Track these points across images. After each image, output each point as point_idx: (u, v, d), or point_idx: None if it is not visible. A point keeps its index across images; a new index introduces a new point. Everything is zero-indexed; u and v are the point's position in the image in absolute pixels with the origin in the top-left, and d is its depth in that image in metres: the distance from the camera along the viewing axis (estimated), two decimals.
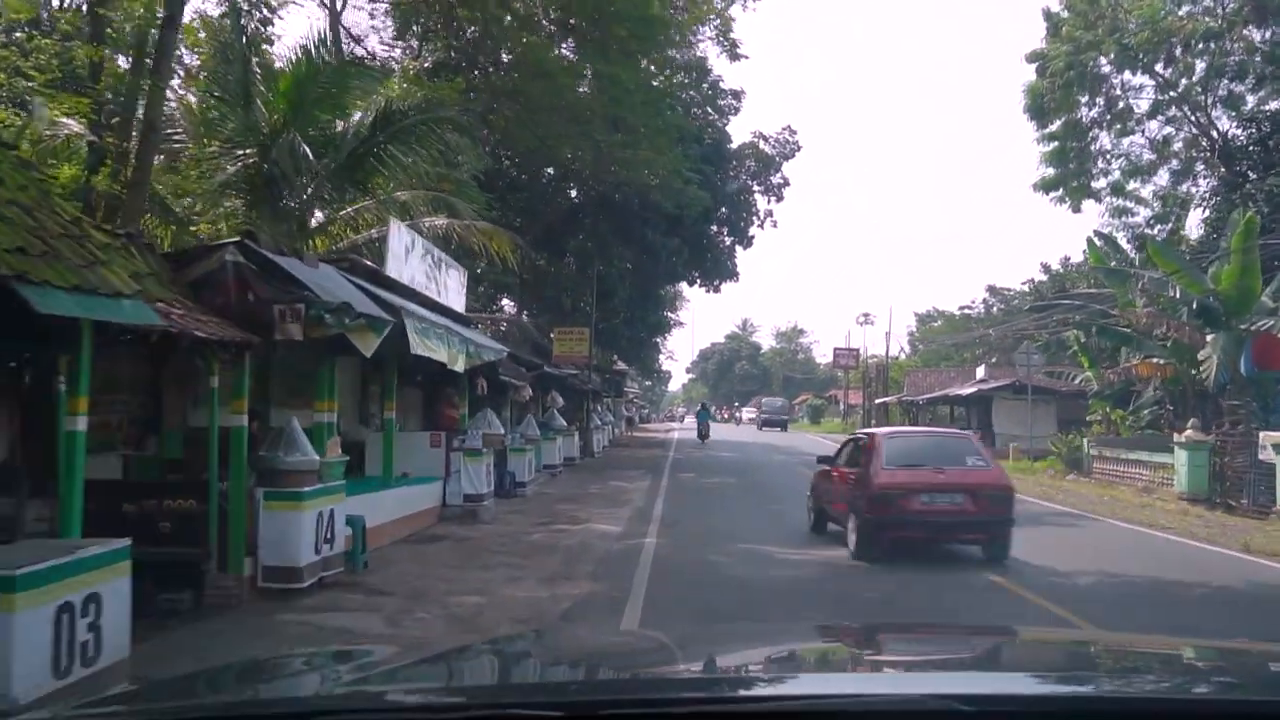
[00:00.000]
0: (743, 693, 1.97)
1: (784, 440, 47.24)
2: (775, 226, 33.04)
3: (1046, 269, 48.50)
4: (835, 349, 63.50)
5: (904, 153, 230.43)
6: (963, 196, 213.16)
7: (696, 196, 25.11)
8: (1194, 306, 23.91)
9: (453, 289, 14.53)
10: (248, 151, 14.02)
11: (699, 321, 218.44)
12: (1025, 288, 74.07)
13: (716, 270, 32.59)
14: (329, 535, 8.82)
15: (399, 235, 11.57)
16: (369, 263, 11.07)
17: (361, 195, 15.88)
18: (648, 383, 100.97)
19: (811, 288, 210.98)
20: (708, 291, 34.15)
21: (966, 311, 76.69)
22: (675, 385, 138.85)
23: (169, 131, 15.85)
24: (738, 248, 32.57)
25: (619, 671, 2.40)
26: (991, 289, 74.27)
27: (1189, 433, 21.73)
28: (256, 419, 9.50)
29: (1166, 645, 2.95)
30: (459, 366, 12.81)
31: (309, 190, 14.68)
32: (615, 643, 3.39)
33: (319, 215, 16.80)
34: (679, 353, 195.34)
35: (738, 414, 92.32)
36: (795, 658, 2.55)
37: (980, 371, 46.05)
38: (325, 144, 15.79)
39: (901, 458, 11.53)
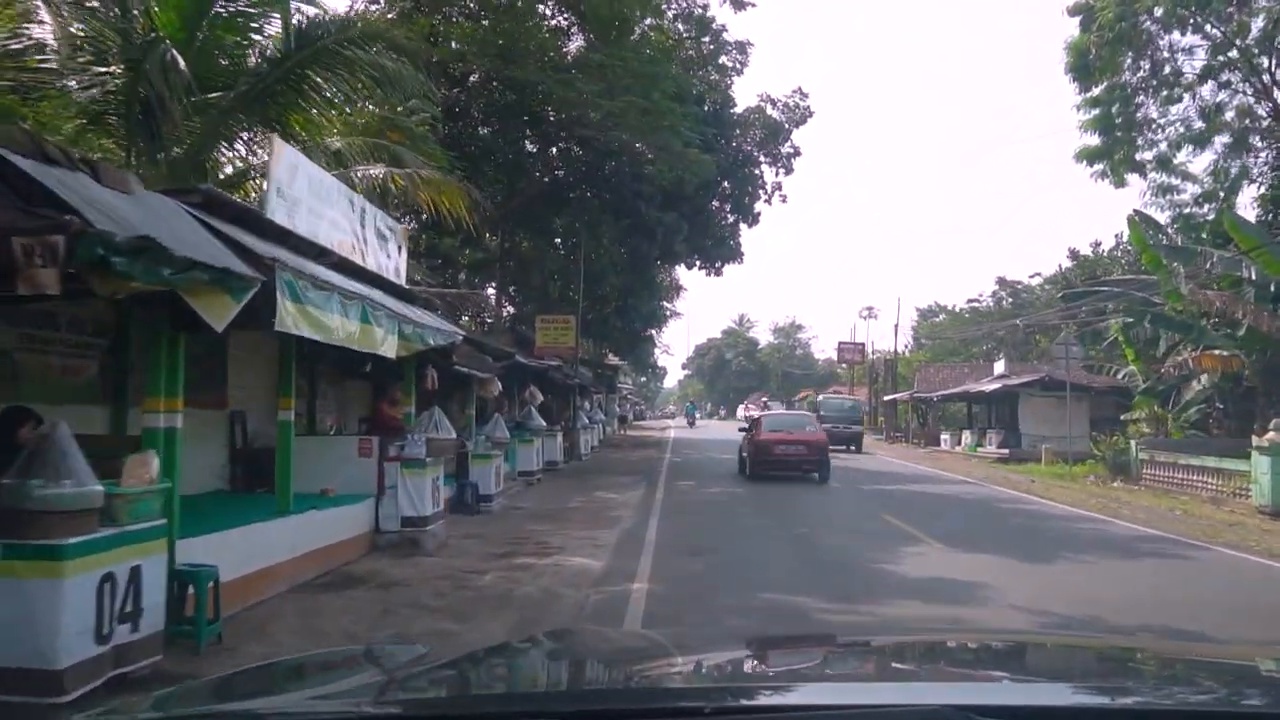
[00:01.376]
0: (746, 702, 1.88)
1: None
2: (785, 201, 29.83)
3: (1074, 255, 45.26)
4: (839, 343, 60.31)
5: (905, 144, 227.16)
6: (966, 188, 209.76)
7: (698, 161, 21.83)
8: (1272, 289, 20.76)
9: (388, 253, 11.28)
10: (114, 70, 10.77)
11: (694, 316, 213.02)
12: (1036, 280, 71.56)
13: (719, 251, 29.12)
14: (128, 608, 5.59)
15: (289, 164, 8.30)
16: (239, 200, 7.78)
17: (280, 137, 12.63)
18: (642, 379, 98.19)
19: (809, 282, 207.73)
20: (708, 274, 30.92)
21: (974, 305, 73.85)
22: (671, 382, 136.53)
23: (36, 59, 12.65)
24: (742, 225, 29.23)
25: (631, 679, 2.29)
26: (1001, 281, 71.39)
27: (1271, 435, 18.56)
28: (32, 420, 6.26)
29: (1202, 652, 2.76)
30: (387, 350, 9.59)
31: (197, 125, 11.45)
32: (631, 647, 3.00)
33: (229, 166, 13.59)
34: (675, 346, 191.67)
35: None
36: (814, 665, 2.48)
37: (999, 367, 42.96)
38: (235, 75, 12.59)
39: (772, 426, 22.46)
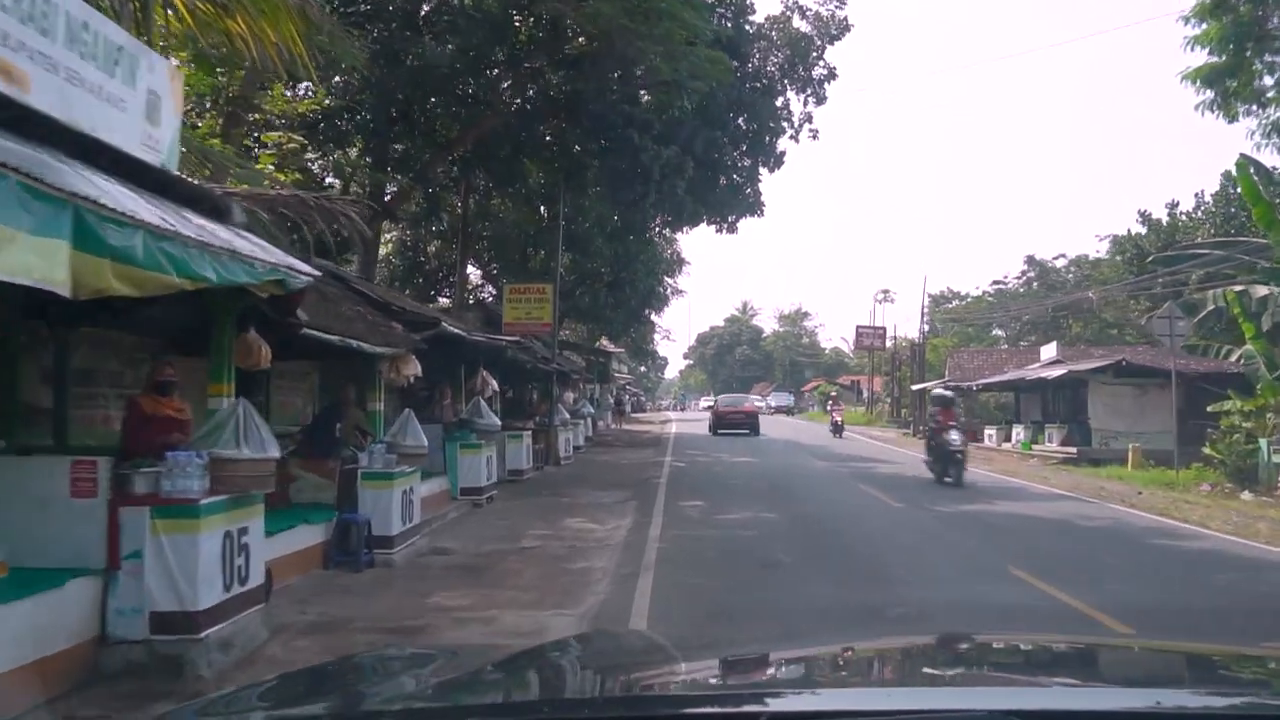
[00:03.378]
0: (787, 707, 1.84)
1: (807, 437, 38.48)
2: (815, 137, 23.86)
3: (1146, 218, 39.27)
4: (858, 327, 54.75)
5: (915, 116, 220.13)
6: (981, 167, 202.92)
7: (712, 61, 16.14)
8: None
9: (110, 98, 5.75)
10: None
11: (696, 304, 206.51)
12: (1060, 262, 65.99)
13: (732, 201, 23.32)
14: None
15: None
16: None
17: None
18: (642, 368, 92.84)
19: (814, 266, 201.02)
20: (719, 230, 24.94)
21: (1000, 286, 68.33)
22: (672, 372, 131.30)
23: None
24: (762, 170, 23.42)
25: (663, 685, 2.23)
26: (1030, 260, 65.71)
27: None
28: None
29: (1252, 654, 2.52)
30: (30, 271, 4.12)
31: None
32: (660, 650, 2.87)
33: None
34: (677, 332, 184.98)
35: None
36: (851, 671, 2.39)
37: (1048, 351, 37.35)
38: None
39: (724, 403, 41.75)
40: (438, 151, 19.81)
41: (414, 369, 11.31)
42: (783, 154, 22.86)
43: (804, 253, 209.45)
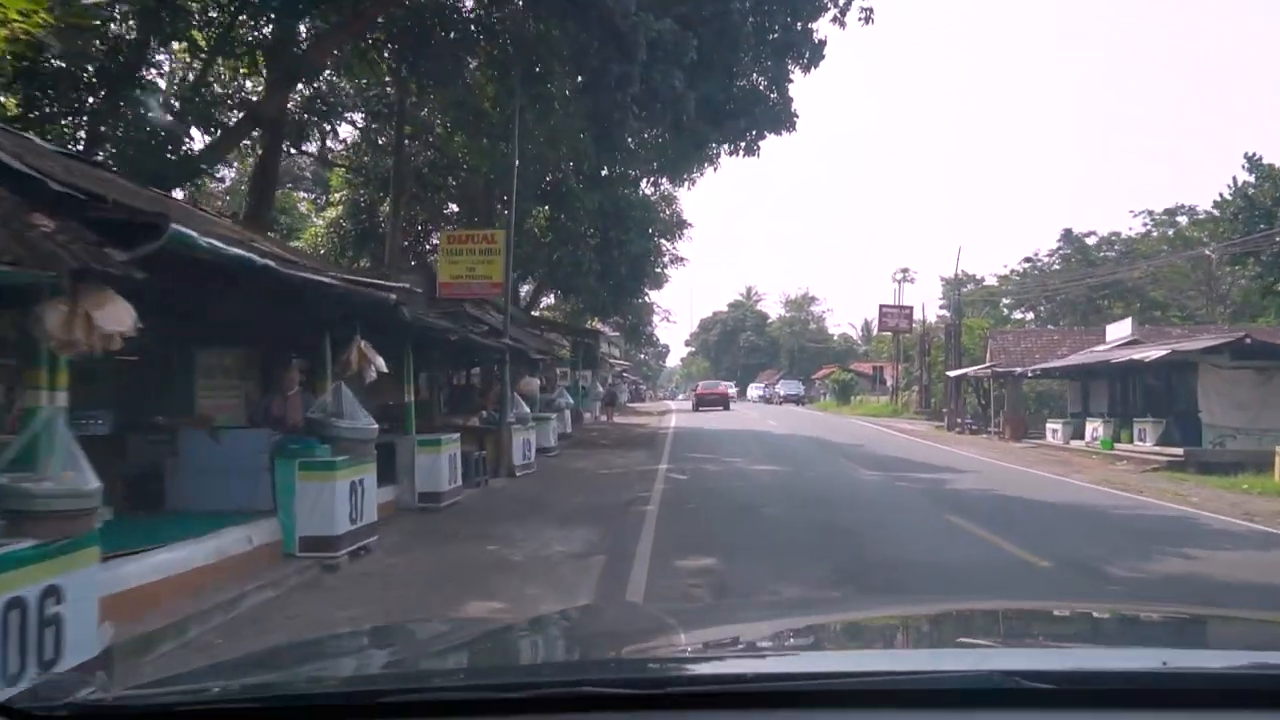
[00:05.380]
0: (788, 669, 1.78)
1: (826, 430, 32.54)
2: (869, 21, 17.25)
3: (1255, 163, 32.55)
4: (881, 306, 48.72)
5: (928, 93, 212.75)
6: (1004, 139, 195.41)
7: None
8: None
9: None
10: None
11: (697, 288, 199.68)
12: (1090, 240, 60.15)
13: (752, 109, 17.01)
14: None
15: None
16: None
17: None
18: (642, 355, 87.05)
19: (821, 249, 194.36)
20: (732, 152, 18.49)
21: (1030, 263, 62.39)
22: (674, 359, 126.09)
23: None
24: (794, 69, 17.22)
25: (667, 652, 2.16)
26: (1067, 235, 59.46)
27: None
28: None
29: (1247, 618, 2.71)
30: None
31: None
32: (659, 621, 2.69)
33: None
34: (677, 313, 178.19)
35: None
36: (858, 634, 2.38)
37: (1117, 330, 31.32)
38: None
39: (703, 387, 58.06)
40: (328, 29, 13.87)
41: (120, 321, 5.35)
42: (822, 44, 16.57)
43: (811, 233, 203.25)
